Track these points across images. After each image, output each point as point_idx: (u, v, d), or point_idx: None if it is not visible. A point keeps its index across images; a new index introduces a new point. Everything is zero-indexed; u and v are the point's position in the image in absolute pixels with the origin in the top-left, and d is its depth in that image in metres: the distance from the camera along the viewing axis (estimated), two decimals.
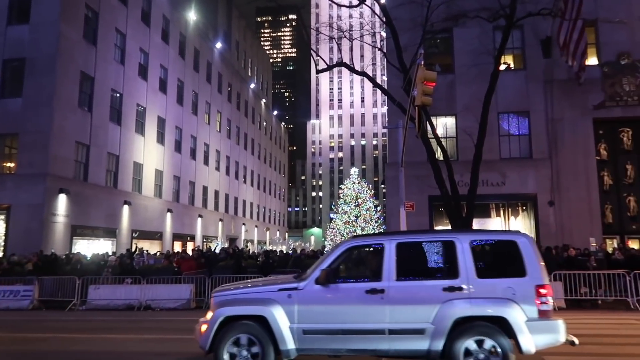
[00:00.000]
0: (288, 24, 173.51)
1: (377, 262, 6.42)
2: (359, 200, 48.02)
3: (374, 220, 47.46)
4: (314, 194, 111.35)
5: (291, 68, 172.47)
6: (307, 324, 6.20)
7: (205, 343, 6.37)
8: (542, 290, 5.96)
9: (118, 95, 28.86)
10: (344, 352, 6.22)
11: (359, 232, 45.70)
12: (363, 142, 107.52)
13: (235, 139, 50.25)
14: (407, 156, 18.43)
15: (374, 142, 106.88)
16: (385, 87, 21.42)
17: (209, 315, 6.53)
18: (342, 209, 48.35)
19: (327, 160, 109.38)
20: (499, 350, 5.82)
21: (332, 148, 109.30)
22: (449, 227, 17.94)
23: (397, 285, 6.19)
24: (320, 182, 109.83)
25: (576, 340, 6.17)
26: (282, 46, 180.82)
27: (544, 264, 6.30)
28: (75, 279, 16.37)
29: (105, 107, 27.53)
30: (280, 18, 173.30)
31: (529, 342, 5.83)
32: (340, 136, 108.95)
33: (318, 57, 21.79)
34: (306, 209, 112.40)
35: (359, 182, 50.11)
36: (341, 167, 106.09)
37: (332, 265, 6.43)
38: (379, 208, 50.51)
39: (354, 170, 52.54)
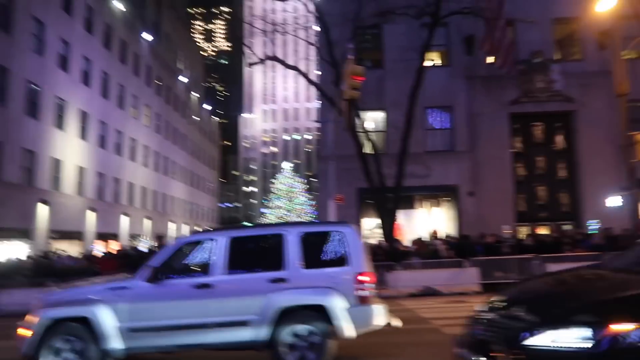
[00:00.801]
0: (221, 16, 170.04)
1: (209, 257, 6.58)
2: (292, 195, 48.14)
3: (307, 215, 47.79)
4: (247, 189, 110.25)
5: (224, 62, 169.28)
6: (135, 322, 6.24)
7: (29, 348, 6.15)
8: (362, 278, 6.38)
9: (35, 87, 26.92)
10: (173, 348, 6.35)
11: None
12: (296, 137, 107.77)
13: (164, 133, 48.59)
14: (337, 149, 18.75)
15: (308, 137, 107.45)
16: (318, 82, 21.61)
17: (32, 318, 6.29)
18: (275, 204, 48.25)
19: (260, 155, 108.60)
20: (320, 336, 6.19)
21: (265, 143, 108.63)
22: (379, 220, 18.46)
23: (226, 279, 6.41)
24: (253, 177, 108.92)
25: (394, 323, 6.66)
26: (216, 39, 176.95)
27: (367, 253, 6.74)
28: None
29: (20, 99, 25.61)
30: (213, 10, 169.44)
31: (348, 327, 6.24)
32: (273, 130, 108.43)
33: (250, 51, 21.50)
34: (239, 204, 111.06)
35: (292, 177, 50.19)
36: (275, 162, 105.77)
37: (162, 262, 6.51)
38: (313, 202, 50.99)
39: (287, 165, 52.54)
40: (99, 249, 27.64)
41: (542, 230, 20.45)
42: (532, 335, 3.32)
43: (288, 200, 47.90)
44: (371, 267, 6.71)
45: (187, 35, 66.60)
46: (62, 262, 17.61)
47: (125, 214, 38.28)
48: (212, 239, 6.68)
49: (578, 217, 21.27)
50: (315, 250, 6.66)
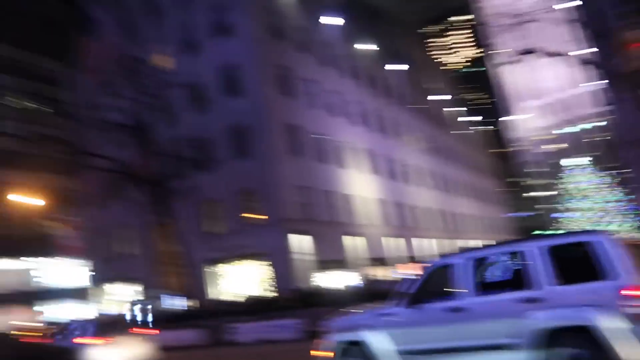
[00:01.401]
0: (463, 27, 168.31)
1: (455, 280, 6.62)
2: (589, 193, 42.57)
3: (622, 212, 41.06)
4: (533, 194, 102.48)
5: (477, 69, 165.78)
6: (405, 345, 6.76)
7: None
8: (630, 292, 5.38)
9: (324, 137, 31.77)
10: None
11: (602, 228, 40.27)
12: (580, 127, 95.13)
13: (438, 154, 50.27)
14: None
15: (595, 125, 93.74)
16: (591, 60, 19.47)
17: (327, 342, 7.57)
18: (574, 206, 43.36)
19: (540, 156, 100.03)
20: None
21: (543, 141, 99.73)
22: None
23: (477, 302, 6.31)
24: (536, 181, 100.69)
25: None
26: (463, 49, 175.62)
27: (632, 264, 5.56)
28: (334, 309, 18.25)
29: (315, 150, 30.80)
30: (451, 24, 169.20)
31: (628, 350, 5.23)
32: (549, 126, 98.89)
33: (500, 51, 20.98)
34: (527, 212, 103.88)
35: (585, 174, 44.59)
36: (558, 161, 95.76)
37: (419, 288, 6.88)
38: (629, 197, 43.73)
39: (578, 161, 47.00)
40: (400, 272, 30.26)
41: None
42: None
43: (587, 200, 42.45)
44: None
45: (433, 55, 67.79)
46: (384, 286, 19.99)
47: (422, 237, 40.92)
48: (457, 262, 6.77)
49: None
50: (565, 264, 6.07)
